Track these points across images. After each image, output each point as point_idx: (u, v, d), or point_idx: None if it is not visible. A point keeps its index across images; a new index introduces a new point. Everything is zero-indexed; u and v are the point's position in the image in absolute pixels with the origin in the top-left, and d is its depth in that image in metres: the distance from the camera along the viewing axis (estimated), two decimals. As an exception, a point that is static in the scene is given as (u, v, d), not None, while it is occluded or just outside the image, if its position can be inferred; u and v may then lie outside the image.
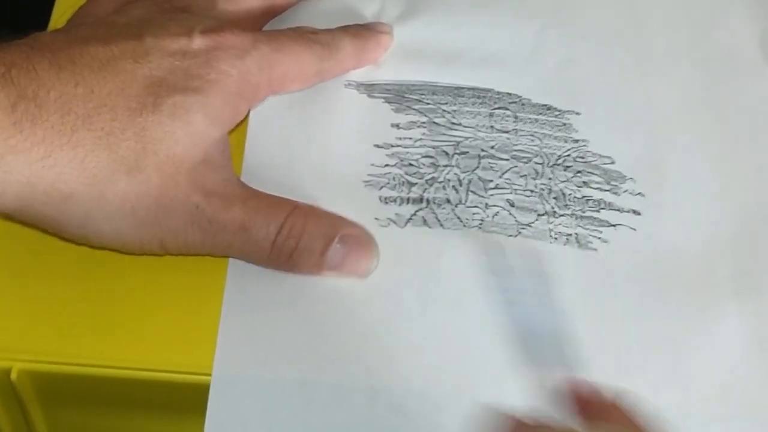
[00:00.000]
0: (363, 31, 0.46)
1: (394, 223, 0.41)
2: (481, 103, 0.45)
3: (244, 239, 0.39)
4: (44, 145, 0.36)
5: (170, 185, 0.38)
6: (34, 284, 0.40)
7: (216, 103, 0.40)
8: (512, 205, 0.42)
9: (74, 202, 0.37)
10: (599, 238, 0.41)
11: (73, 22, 0.44)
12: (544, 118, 0.45)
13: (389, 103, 0.45)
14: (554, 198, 0.42)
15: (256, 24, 0.45)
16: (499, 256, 0.40)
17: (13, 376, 0.38)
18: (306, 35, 0.43)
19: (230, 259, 0.40)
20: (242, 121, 0.42)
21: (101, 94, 0.38)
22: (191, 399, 0.37)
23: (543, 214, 0.42)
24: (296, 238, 0.39)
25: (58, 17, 0.47)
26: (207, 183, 0.39)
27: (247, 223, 0.39)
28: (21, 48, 0.38)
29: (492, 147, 0.44)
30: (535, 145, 0.44)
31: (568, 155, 0.44)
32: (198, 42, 0.40)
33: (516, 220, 0.41)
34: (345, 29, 0.45)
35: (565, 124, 0.45)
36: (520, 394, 0.37)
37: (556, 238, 0.41)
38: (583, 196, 0.42)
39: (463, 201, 0.42)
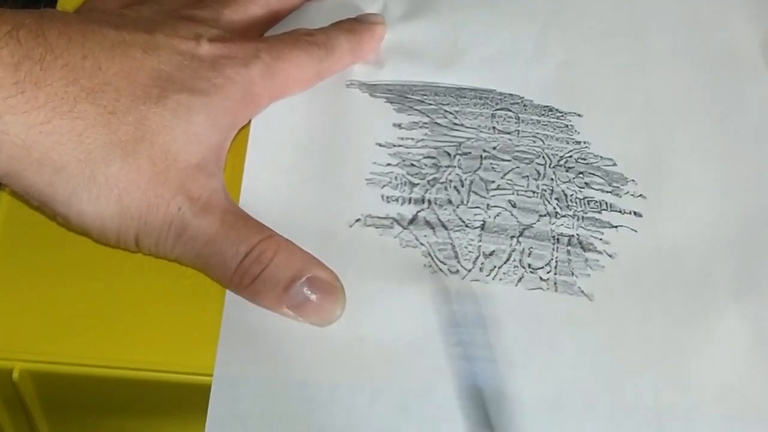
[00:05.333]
0: (357, 25, 0.46)
1: (397, 222, 0.41)
2: (483, 104, 0.45)
3: (212, 252, 0.38)
4: (45, 110, 0.36)
5: (160, 181, 0.38)
6: (36, 285, 0.39)
7: (219, 108, 0.40)
8: (514, 206, 0.42)
9: (64, 176, 0.37)
10: (600, 239, 0.41)
11: (80, 10, 0.44)
12: (546, 119, 0.45)
13: (391, 103, 0.45)
14: (556, 199, 0.42)
15: (259, 31, 0.46)
16: (446, 303, 0.38)
17: (15, 376, 0.38)
18: (303, 38, 0.43)
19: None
20: (243, 127, 0.43)
21: (108, 73, 0.38)
22: (192, 399, 0.38)
23: (545, 215, 0.42)
24: (263, 265, 0.38)
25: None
26: (194, 187, 0.38)
27: (219, 236, 0.38)
28: (31, 14, 0.38)
29: (494, 148, 0.44)
30: (537, 147, 0.44)
31: (570, 156, 0.44)
32: (205, 49, 0.41)
33: (518, 221, 0.41)
34: (339, 26, 0.45)
35: (567, 126, 0.45)
36: (519, 393, 0.37)
37: (557, 239, 0.41)
38: (585, 197, 0.42)
39: (465, 202, 0.42)
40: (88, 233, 0.39)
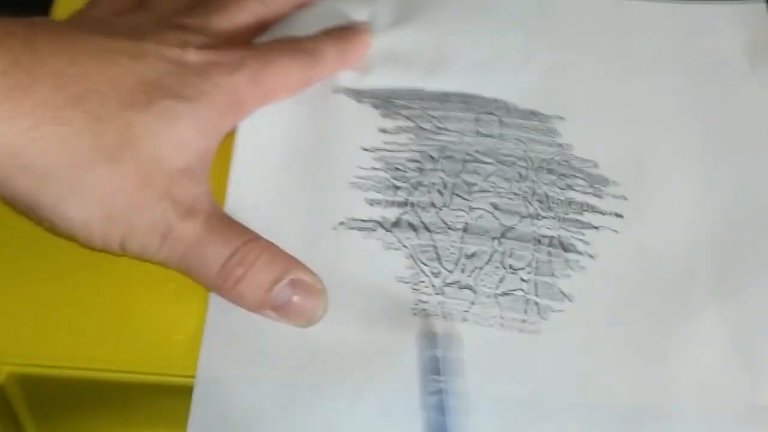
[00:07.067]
0: (344, 33, 0.46)
1: (380, 225, 0.41)
2: (467, 109, 0.45)
3: (196, 255, 0.39)
4: (32, 116, 0.36)
5: (145, 185, 0.38)
6: (23, 288, 0.40)
7: (205, 114, 0.40)
8: (496, 208, 0.42)
9: (51, 181, 0.37)
10: (581, 240, 0.41)
11: (72, 19, 0.44)
12: (529, 123, 0.45)
13: (377, 108, 0.45)
14: (538, 201, 0.42)
15: (248, 38, 0.46)
16: (431, 348, 0.37)
17: (2, 379, 0.38)
18: (290, 46, 0.44)
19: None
20: (230, 131, 0.43)
21: (95, 80, 0.38)
22: (176, 401, 0.38)
23: (526, 217, 0.42)
24: (246, 267, 0.38)
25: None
26: (179, 192, 0.39)
27: (202, 239, 0.39)
28: (21, 22, 0.38)
29: (477, 151, 0.44)
30: (520, 150, 0.44)
31: (553, 159, 0.44)
32: (192, 56, 0.41)
33: (500, 223, 0.42)
34: (327, 34, 0.46)
35: (550, 129, 0.45)
36: (502, 394, 0.37)
37: (539, 240, 0.41)
38: (567, 199, 0.43)
39: (448, 204, 0.42)
40: (74, 237, 0.39)
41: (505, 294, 0.40)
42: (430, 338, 0.38)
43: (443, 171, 0.43)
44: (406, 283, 0.40)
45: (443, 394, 0.36)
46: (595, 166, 0.44)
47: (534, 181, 0.43)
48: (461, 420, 0.36)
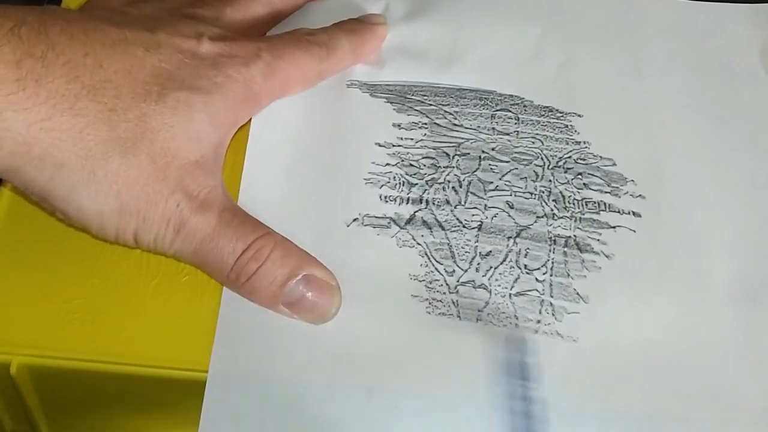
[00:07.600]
0: (358, 25, 0.46)
1: (394, 222, 0.41)
2: (483, 105, 0.45)
3: (209, 249, 0.38)
4: (46, 107, 0.36)
5: (158, 177, 0.38)
6: (35, 279, 0.40)
7: (219, 106, 0.40)
8: (511, 207, 0.42)
9: (64, 172, 0.37)
10: (598, 240, 0.41)
11: (84, 7, 0.44)
12: (545, 120, 0.45)
13: (391, 103, 0.45)
14: (554, 200, 0.42)
15: (261, 30, 0.46)
16: (519, 353, 0.38)
17: (13, 370, 0.38)
18: (304, 38, 0.44)
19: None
20: (243, 125, 0.43)
21: (109, 70, 0.38)
22: (188, 395, 0.38)
23: (542, 217, 0.42)
24: (259, 263, 0.38)
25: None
26: (193, 184, 0.39)
27: (216, 233, 0.38)
28: (34, 11, 0.38)
29: (493, 149, 0.44)
30: (536, 147, 0.44)
31: (569, 157, 0.44)
32: (206, 47, 0.41)
33: (515, 222, 0.42)
34: (340, 26, 0.46)
35: (566, 126, 0.45)
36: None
37: (554, 241, 0.41)
38: (583, 198, 0.42)
39: (463, 202, 0.42)
40: (87, 229, 0.39)
41: (519, 294, 0.40)
42: (519, 343, 0.38)
43: (458, 168, 0.43)
44: (420, 281, 0.40)
45: (530, 401, 0.36)
46: (613, 163, 0.44)
47: (550, 181, 0.43)
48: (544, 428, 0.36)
